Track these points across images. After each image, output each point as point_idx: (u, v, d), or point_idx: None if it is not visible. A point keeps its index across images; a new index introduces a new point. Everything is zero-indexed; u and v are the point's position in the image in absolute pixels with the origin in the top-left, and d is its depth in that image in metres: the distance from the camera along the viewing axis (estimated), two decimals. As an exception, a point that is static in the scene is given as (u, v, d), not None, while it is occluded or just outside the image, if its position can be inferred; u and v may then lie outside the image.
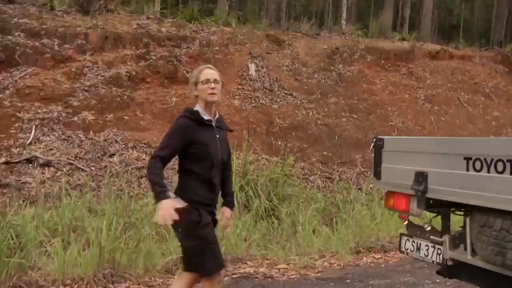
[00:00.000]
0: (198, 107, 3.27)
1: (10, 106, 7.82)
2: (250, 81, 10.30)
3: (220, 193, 3.45)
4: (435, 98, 11.99)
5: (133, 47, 9.96)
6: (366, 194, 8.54)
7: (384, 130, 10.48)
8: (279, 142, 9.16)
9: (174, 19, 11.44)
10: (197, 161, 3.20)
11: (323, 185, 8.68)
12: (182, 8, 13.11)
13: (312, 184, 8.53)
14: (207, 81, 3.21)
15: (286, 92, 10.43)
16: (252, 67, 10.52)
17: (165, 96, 9.05)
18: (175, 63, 9.83)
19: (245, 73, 10.42)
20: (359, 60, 12.21)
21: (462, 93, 12.41)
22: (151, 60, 9.64)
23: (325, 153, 9.51)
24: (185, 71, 9.66)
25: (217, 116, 3.36)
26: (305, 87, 10.79)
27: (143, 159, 7.62)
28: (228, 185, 3.54)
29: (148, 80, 9.37)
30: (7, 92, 8.11)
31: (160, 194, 2.98)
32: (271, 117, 9.61)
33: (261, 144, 8.64)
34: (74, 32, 9.54)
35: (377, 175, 3.56)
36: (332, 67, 11.62)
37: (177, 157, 3.28)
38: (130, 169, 7.45)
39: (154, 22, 10.87)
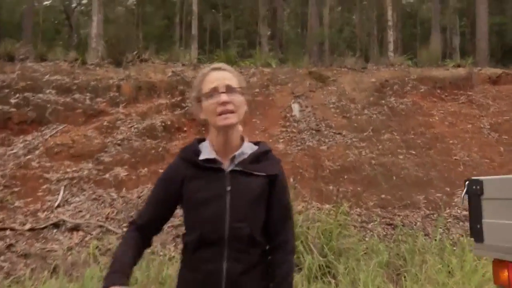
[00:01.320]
0: (206, 140, 2.05)
1: (38, 167, 7.34)
2: (295, 122, 9.51)
3: None
4: (501, 126, 10.76)
5: (168, 96, 9.45)
6: (434, 240, 7.42)
7: (447, 166, 9.35)
8: (330, 187, 8.23)
9: (210, 64, 10.93)
10: (190, 233, 1.99)
11: (384, 233, 7.62)
12: (219, 53, 12.66)
13: (371, 233, 7.49)
14: (214, 91, 1.94)
15: (334, 131, 9.55)
16: (296, 107, 9.75)
17: (203, 145, 8.38)
18: (213, 109, 9.20)
19: (288, 114, 9.66)
20: (411, 92, 11.22)
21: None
22: (187, 108, 9.07)
23: (383, 196, 8.47)
24: (223, 117, 9.00)
25: (240, 150, 2.01)
26: (355, 125, 9.88)
27: (181, 215, 6.86)
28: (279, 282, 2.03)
29: (185, 129, 8.76)
30: (36, 152, 7.67)
31: (106, 277, 1.85)
32: (320, 159, 8.72)
33: (310, 191, 7.74)
34: (106, 85, 9.14)
35: (477, 235, 2.52)
36: (383, 101, 10.69)
37: None
38: (165, 228, 6.71)
39: (190, 69, 10.38)
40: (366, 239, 7.30)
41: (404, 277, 6.11)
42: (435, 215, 8.23)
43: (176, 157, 2.09)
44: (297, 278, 5.68)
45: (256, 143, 2.09)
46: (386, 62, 12.65)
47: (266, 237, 2.06)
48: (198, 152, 2.01)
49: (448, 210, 8.32)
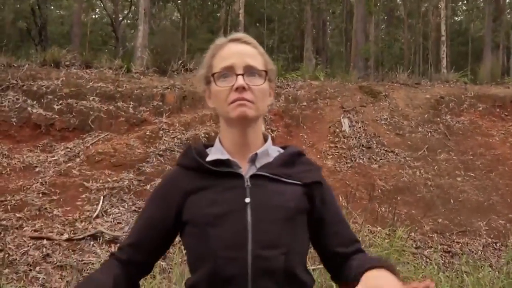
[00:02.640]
0: (217, 138, 1.51)
1: (78, 175, 7.09)
2: (344, 138, 9.00)
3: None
4: None
5: (213, 107, 9.12)
6: (498, 272, 6.74)
7: (510, 191, 8.63)
8: (383, 209, 7.66)
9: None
10: (194, 271, 1.41)
11: (442, 261, 6.99)
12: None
13: (428, 261, 6.87)
14: (228, 71, 1.41)
15: (386, 149, 8.99)
16: (346, 122, 9.25)
17: (248, 158, 7.98)
18: (259, 121, 8.82)
19: (337, 130, 9.16)
20: (469, 110, 10.53)
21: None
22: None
23: (440, 220, 7.84)
24: (269, 130, 8.59)
25: (263, 149, 1.46)
26: (409, 143, 9.28)
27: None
28: (365, 259, 1.42)
29: (229, 141, 8.39)
30: (77, 160, 7.44)
31: None
32: (371, 178, 8.17)
33: (363, 212, 7.19)
34: (150, 94, 8.90)
35: None
36: (438, 119, 10.05)
37: None
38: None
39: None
40: (423, 267, 6.70)
41: (469, 313, 5.51)
42: (498, 244, 7.55)
43: (173, 168, 1.53)
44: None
45: (282, 147, 1.55)
46: (441, 78, 12.00)
47: (309, 272, 1.45)
48: (204, 155, 1.45)
49: (513, 239, 7.62)
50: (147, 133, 8.05)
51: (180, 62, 9.85)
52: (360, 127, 9.31)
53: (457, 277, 6.39)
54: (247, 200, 1.37)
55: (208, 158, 1.43)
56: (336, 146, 8.82)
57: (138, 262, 1.46)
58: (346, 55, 23.96)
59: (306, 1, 19.22)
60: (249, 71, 1.41)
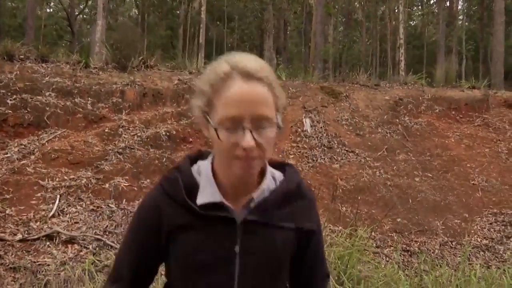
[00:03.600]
0: (207, 166, 1.34)
1: (33, 173, 6.80)
2: (306, 137, 9.03)
3: None
4: (520, 151, 10.33)
5: (174, 104, 8.97)
6: (454, 270, 6.91)
7: (465, 191, 8.87)
8: (344, 208, 7.72)
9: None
10: None
11: (402, 259, 7.10)
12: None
13: (388, 260, 6.97)
14: (235, 123, 1.20)
15: (347, 149, 9.07)
16: (307, 122, 9.28)
17: (210, 157, 7.87)
18: (221, 120, 8.73)
19: (299, 129, 9.18)
20: (426, 112, 10.79)
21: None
22: (194, 117, 8.58)
23: (398, 219, 7.97)
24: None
25: (260, 190, 1.32)
26: (369, 143, 9.41)
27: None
28: None
29: (191, 139, 8.26)
30: (32, 157, 7.14)
31: None
32: (333, 178, 8.23)
33: (325, 212, 7.22)
34: (109, 90, 8.65)
35: None
36: (397, 120, 10.24)
37: None
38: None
39: (197, 77, 9.91)
40: (383, 266, 6.78)
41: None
42: (453, 243, 7.74)
43: (154, 190, 1.35)
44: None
45: (279, 165, 1.41)
46: (399, 80, 12.23)
47: None
48: (193, 189, 1.29)
49: (467, 238, 7.82)
50: (106, 130, 7.82)
51: (140, 58, 9.63)
52: (321, 127, 9.36)
53: (416, 276, 6.50)
54: (237, 249, 1.29)
55: (199, 200, 1.28)
56: (298, 146, 8.83)
57: (137, 283, 1.41)
58: (305, 56, 24.16)
59: (268, 0, 19.24)
60: (259, 123, 1.20)
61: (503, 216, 8.36)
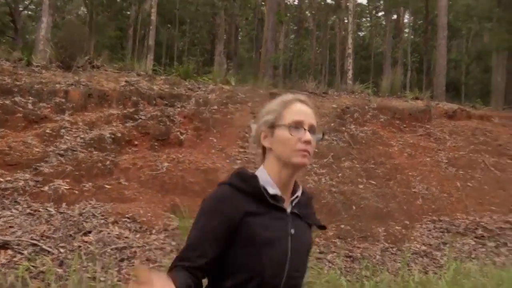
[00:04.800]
0: (262, 172, 1.78)
1: (-34, 174, 6.47)
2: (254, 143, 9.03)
3: None
4: (458, 161, 10.73)
5: (120, 106, 8.77)
6: (394, 275, 7.09)
7: (406, 198, 9.13)
8: (289, 214, 7.76)
9: (167, 76, 10.34)
10: (237, 276, 1.68)
11: (344, 265, 7.20)
12: (176, 66, 12.08)
13: (331, 265, 7.05)
14: (299, 125, 1.73)
15: (294, 155, 9.14)
16: (255, 127, 9.28)
17: (155, 161, 7.74)
18: (168, 123, 8.61)
19: (247, 135, 9.17)
20: (372, 120, 11.04)
21: (487, 156, 11.16)
22: (140, 120, 8.43)
23: (342, 226, 8.09)
24: (178, 133, 8.43)
25: (298, 193, 1.83)
26: (316, 150, 9.50)
27: (126, 237, 6.19)
28: None
29: (136, 142, 8.10)
30: (-34, 157, 6.79)
31: None
32: (279, 184, 8.25)
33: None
34: (52, 89, 8.37)
35: None
36: (344, 128, 10.43)
37: None
38: (109, 250, 6.00)
39: (145, 80, 9.75)
40: (325, 271, 6.86)
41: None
42: (394, 249, 7.93)
43: (224, 185, 1.75)
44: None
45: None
46: (347, 89, 12.49)
47: None
48: (256, 183, 1.73)
49: (408, 244, 8.04)
50: (47, 131, 7.55)
51: (86, 58, 9.37)
52: (269, 133, 9.40)
53: (358, 281, 6.62)
54: (292, 231, 1.74)
55: (271, 191, 1.73)
56: (245, 151, 8.82)
57: (205, 270, 1.67)
58: (255, 62, 24.27)
59: (220, 5, 19.22)
60: (312, 129, 1.76)
61: (441, 223, 8.65)
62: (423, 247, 8.10)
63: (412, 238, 8.23)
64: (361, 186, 9.08)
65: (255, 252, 1.66)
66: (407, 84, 22.18)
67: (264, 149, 1.81)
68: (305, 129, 1.73)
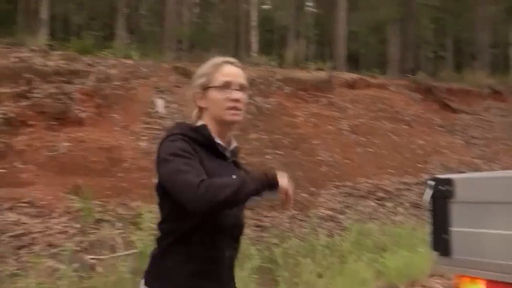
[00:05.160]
0: (205, 126, 1.97)
1: None
2: (159, 118, 8.84)
3: None
4: (359, 128, 11.25)
5: (12, 84, 8.16)
6: (301, 241, 7.34)
7: (311, 166, 9.44)
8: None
9: (64, 51, 9.76)
10: (194, 219, 1.81)
11: (254, 235, 7.33)
12: (74, 41, 11.45)
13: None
14: (228, 85, 1.94)
15: (200, 129, 9.07)
16: (159, 102, 9.09)
17: (54, 142, 7.34)
18: (66, 101, 8.15)
19: (152, 110, 8.96)
20: (277, 92, 11.22)
21: (385, 122, 11.81)
22: (34, 99, 7.91)
23: (251, 197, 8.20)
24: (78, 111, 8.04)
25: (233, 146, 2.06)
26: (222, 123, 9.51)
27: (24, 223, 5.84)
28: None
29: (31, 122, 7.61)
30: None
31: (262, 177, 1.79)
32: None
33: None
34: None
35: (443, 247, 2.00)
36: (250, 100, 10.49)
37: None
38: (5, 238, 5.64)
39: (39, 55, 9.13)
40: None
41: (277, 282, 5.89)
42: (300, 216, 8.18)
43: (176, 136, 1.88)
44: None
45: None
46: (252, 61, 12.54)
47: None
48: (207, 133, 1.94)
49: (314, 210, 8.33)
50: None
51: (-31, 32, 8.58)
52: (175, 108, 9.24)
53: (267, 249, 6.77)
54: (234, 176, 1.88)
55: (217, 141, 1.95)
56: (151, 127, 8.62)
57: None
58: (159, 36, 23.67)
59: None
60: (241, 87, 1.96)
61: (344, 188, 9.06)
62: (328, 212, 8.45)
63: (317, 204, 8.54)
64: (268, 157, 9.24)
65: None
66: (310, 56, 22.71)
67: (199, 108, 1.98)
68: (234, 89, 1.92)
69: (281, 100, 11.03)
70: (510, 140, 13.31)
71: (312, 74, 12.47)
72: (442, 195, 1.84)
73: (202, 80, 1.97)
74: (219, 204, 1.68)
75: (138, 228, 6.14)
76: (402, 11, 17.96)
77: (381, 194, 9.29)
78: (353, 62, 19.87)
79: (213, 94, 1.93)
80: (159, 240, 1.94)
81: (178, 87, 9.86)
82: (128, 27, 21.14)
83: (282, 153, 9.43)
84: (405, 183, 9.94)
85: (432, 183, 1.87)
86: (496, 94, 15.03)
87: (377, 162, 10.42)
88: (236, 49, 18.20)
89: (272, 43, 24.90)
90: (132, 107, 8.87)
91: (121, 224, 6.23)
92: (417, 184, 9.84)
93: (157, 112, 8.98)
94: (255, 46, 15.14)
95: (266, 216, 7.94)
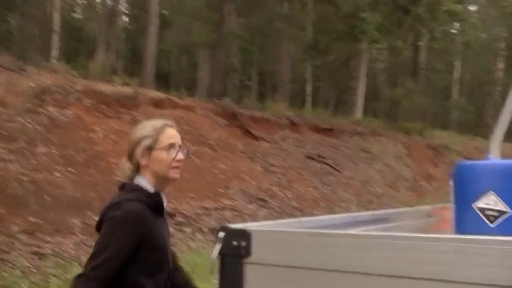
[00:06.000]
0: (147, 185, 2.16)
1: None
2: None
3: None
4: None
5: None
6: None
7: (107, 187, 8.68)
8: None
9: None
10: (150, 273, 2.12)
11: (29, 264, 6.33)
12: None
13: (13, 266, 6.10)
14: (173, 147, 2.16)
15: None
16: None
17: None
18: None
19: None
20: (75, 103, 10.24)
21: (189, 144, 11.59)
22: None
23: (31, 219, 7.17)
24: None
25: (165, 200, 2.30)
26: (5, 133, 8.26)
27: None
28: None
29: None
30: None
31: None
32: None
33: None
34: None
35: None
36: (42, 109, 9.36)
37: None
38: None
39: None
40: (4, 274, 5.90)
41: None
42: (90, 241, 7.40)
43: (131, 201, 2.07)
44: None
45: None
46: (49, 67, 11.32)
47: None
48: (159, 199, 2.18)
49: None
50: None
51: None
52: None
53: (44, 281, 5.88)
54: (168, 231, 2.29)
55: (164, 204, 2.24)
56: None
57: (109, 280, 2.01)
58: None
59: None
60: (181, 148, 2.21)
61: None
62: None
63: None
64: (58, 174, 8.26)
65: (160, 252, 2.13)
66: (119, 71, 21.84)
67: (138, 165, 2.15)
68: (178, 150, 2.15)
69: (79, 113, 10.09)
70: (303, 169, 14.23)
71: (117, 88, 11.75)
72: (234, 253, 1.41)
73: (147, 142, 2.13)
74: None
75: None
76: (213, 38, 18.27)
77: (180, 219, 8.97)
78: (163, 81, 19.54)
79: (159, 154, 2.13)
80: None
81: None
82: None
83: (74, 171, 8.52)
84: (205, 208, 9.79)
85: (222, 234, 1.42)
86: (293, 125, 16.02)
87: (178, 185, 10.08)
88: (33, 51, 16.49)
89: (80, 53, 23.35)
90: None
91: None
92: (216, 209, 9.78)
93: None
94: (55, 51, 13.80)
95: (48, 242, 7.00)
